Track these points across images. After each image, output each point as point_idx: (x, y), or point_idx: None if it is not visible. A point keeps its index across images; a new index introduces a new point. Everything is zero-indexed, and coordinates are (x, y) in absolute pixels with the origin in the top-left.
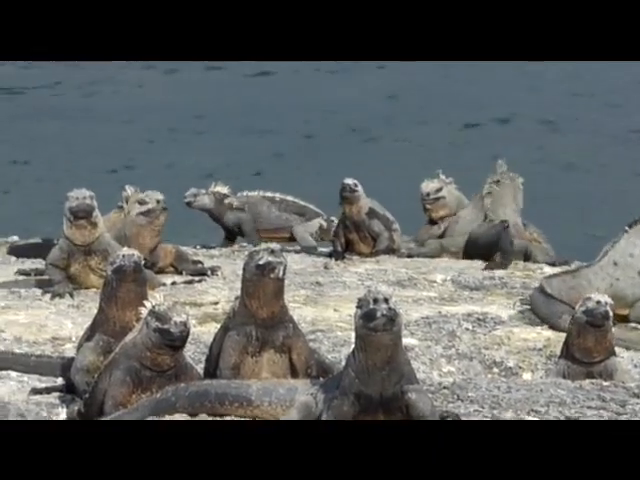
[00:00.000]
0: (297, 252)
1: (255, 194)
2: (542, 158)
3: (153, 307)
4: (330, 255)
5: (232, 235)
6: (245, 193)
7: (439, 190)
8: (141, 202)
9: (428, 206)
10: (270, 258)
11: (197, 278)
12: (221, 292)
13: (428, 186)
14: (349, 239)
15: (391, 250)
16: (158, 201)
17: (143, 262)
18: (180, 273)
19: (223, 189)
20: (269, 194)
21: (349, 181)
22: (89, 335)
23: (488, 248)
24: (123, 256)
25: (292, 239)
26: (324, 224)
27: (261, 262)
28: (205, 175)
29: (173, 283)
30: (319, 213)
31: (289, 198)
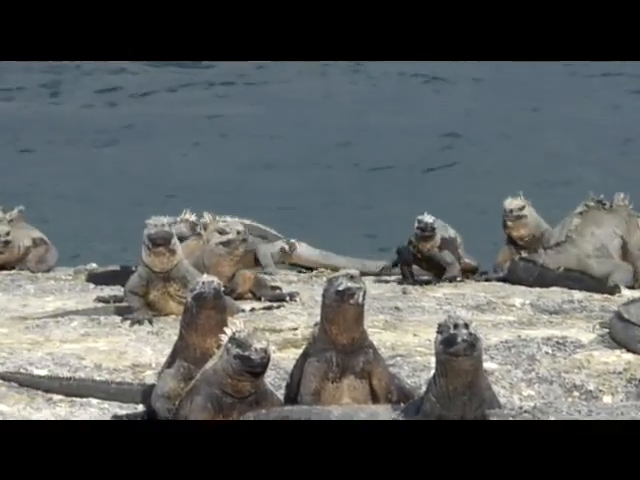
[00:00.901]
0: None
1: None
2: None
3: (233, 334)
4: (414, 283)
5: None
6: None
7: (522, 208)
8: (221, 232)
9: (510, 223)
10: (349, 284)
11: (276, 304)
12: (300, 318)
13: (512, 203)
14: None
15: (454, 278)
16: (239, 232)
17: (222, 289)
18: (259, 299)
19: (191, 216)
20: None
21: (429, 219)
22: (169, 362)
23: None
24: (203, 283)
25: (256, 263)
26: (286, 247)
27: (340, 288)
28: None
29: (252, 309)
30: (279, 237)
31: (247, 222)
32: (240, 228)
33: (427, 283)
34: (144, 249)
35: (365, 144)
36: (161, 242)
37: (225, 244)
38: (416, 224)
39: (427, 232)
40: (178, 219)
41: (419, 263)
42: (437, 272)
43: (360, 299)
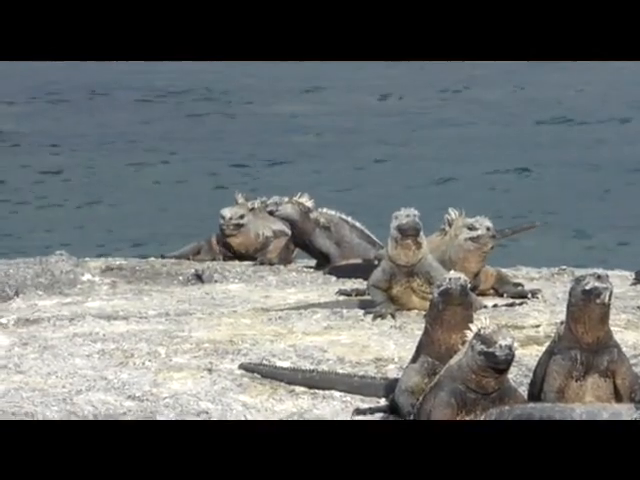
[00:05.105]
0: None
1: (333, 214)
2: None
3: (479, 330)
4: None
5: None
6: (325, 210)
7: None
8: (471, 227)
9: None
10: (597, 284)
11: (518, 301)
12: (542, 315)
13: None
14: None
15: None
16: (488, 228)
17: (468, 285)
18: (501, 296)
19: (308, 202)
20: (344, 216)
21: None
22: (414, 357)
23: None
24: (450, 279)
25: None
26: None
27: (587, 287)
28: None
29: (494, 306)
30: (380, 244)
31: (358, 224)
32: (489, 224)
33: None
34: (391, 242)
35: None
36: (412, 233)
37: (474, 240)
38: None
39: None
40: (291, 200)
41: None
42: None
43: (606, 299)
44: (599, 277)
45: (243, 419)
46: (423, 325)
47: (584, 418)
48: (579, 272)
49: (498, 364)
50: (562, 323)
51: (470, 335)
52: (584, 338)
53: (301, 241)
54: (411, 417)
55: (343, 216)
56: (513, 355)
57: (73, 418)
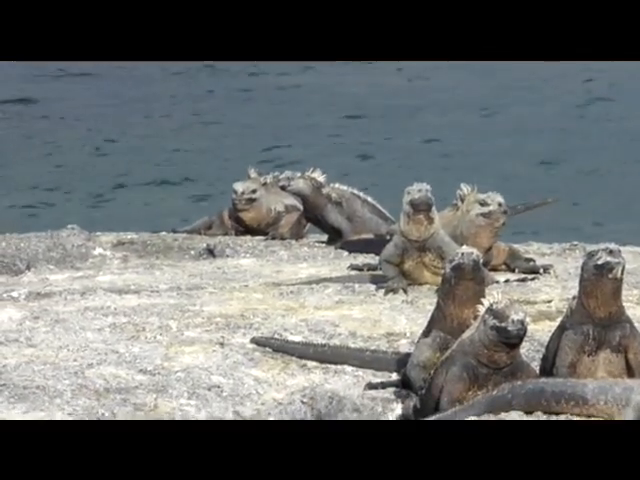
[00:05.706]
0: None
1: (345, 189)
2: None
3: (491, 305)
4: None
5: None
6: (337, 185)
7: None
8: (482, 203)
9: None
10: (609, 258)
11: (530, 276)
12: (554, 290)
13: None
14: None
15: None
16: (500, 204)
17: (481, 260)
18: (513, 271)
19: (320, 177)
20: (356, 191)
21: None
22: (426, 331)
23: None
24: (462, 254)
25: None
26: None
27: (600, 262)
28: None
29: (506, 281)
30: (392, 219)
31: (370, 199)
32: (501, 200)
33: None
34: (403, 217)
35: None
36: (424, 207)
37: (486, 215)
38: None
39: None
40: (304, 175)
41: None
42: None
43: (619, 274)
44: (611, 252)
45: (254, 392)
46: (435, 300)
47: (596, 393)
48: (591, 248)
49: (510, 339)
50: (574, 298)
51: (482, 310)
52: (596, 313)
53: (313, 216)
54: (422, 391)
55: (355, 191)
56: (525, 330)
57: (84, 391)
